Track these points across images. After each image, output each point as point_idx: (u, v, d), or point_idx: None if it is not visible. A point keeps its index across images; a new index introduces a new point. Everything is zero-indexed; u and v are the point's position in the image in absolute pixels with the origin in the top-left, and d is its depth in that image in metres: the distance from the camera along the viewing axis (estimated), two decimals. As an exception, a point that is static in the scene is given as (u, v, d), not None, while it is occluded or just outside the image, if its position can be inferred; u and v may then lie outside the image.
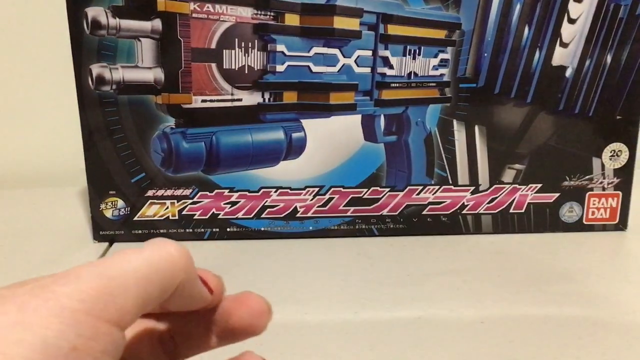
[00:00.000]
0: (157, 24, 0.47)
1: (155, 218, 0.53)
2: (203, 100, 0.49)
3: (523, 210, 0.55)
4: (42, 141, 0.71)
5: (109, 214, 0.52)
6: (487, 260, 0.50)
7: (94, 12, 0.46)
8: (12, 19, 0.67)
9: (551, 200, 0.54)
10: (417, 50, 0.51)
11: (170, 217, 0.53)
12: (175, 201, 0.52)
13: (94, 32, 0.46)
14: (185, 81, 0.48)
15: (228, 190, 0.52)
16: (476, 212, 0.54)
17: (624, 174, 0.54)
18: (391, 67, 0.51)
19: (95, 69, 0.47)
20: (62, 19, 0.48)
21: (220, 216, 0.53)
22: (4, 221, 0.59)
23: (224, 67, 0.48)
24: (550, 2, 0.49)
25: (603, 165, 0.54)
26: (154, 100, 0.49)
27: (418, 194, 0.54)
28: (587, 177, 0.54)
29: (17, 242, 0.54)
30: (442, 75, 0.51)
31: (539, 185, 0.54)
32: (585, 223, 0.55)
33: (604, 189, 0.54)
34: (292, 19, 0.48)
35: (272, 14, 0.48)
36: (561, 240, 0.54)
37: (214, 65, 0.48)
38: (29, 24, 0.67)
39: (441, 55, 0.51)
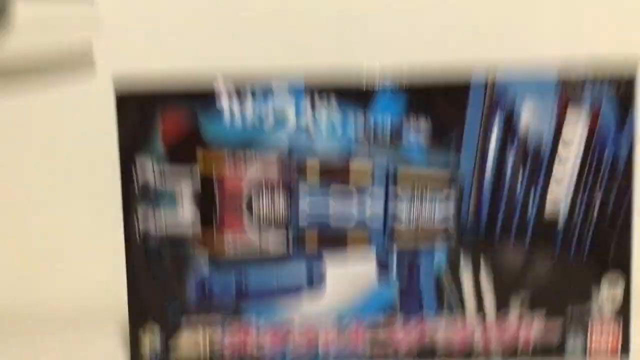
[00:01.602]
0: (196, 173, 0.54)
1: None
2: (234, 240, 0.55)
3: (530, 339, 0.58)
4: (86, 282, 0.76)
5: (146, 350, 0.57)
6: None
7: (142, 162, 0.53)
8: (70, 172, 0.75)
9: (555, 329, 0.58)
10: (424, 197, 0.57)
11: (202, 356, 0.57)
12: (207, 330, 0.57)
13: (142, 180, 0.54)
14: (220, 226, 0.55)
15: (254, 321, 0.57)
16: (485, 342, 0.58)
17: (623, 302, 0.58)
18: (401, 211, 0.57)
19: (141, 211, 0.55)
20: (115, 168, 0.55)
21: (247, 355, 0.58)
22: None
23: (253, 211, 0.55)
24: (540, 151, 0.55)
25: (602, 295, 0.58)
26: (190, 240, 0.55)
27: (430, 327, 0.58)
28: (587, 306, 0.58)
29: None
30: (447, 218, 0.57)
31: (543, 315, 0.58)
32: (590, 349, 0.58)
33: (605, 317, 0.58)
34: (312, 170, 0.55)
35: (295, 164, 0.55)
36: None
37: (245, 212, 0.55)
38: (83, 173, 0.75)
39: (445, 201, 0.57)
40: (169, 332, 0.57)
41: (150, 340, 0.57)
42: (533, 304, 0.58)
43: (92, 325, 0.70)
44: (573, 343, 0.58)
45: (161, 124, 0.54)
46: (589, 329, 0.58)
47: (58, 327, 0.71)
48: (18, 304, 0.76)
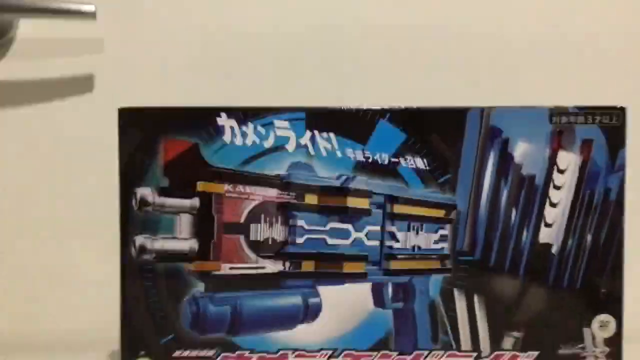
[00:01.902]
0: (196, 202, 0.54)
1: (180, 378, 0.56)
2: (231, 268, 0.55)
3: (523, 378, 0.58)
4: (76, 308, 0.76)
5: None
6: None
7: (142, 191, 0.54)
8: (69, 200, 0.75)
9: (548, 369, 0.58)
10: (420, 227, 0.58)
11: (193, 378, 0.56)
12: (199, 362, 0.56)
13: (141, 208, 0.54)
14: (216, 250, 0.55)
15: (248, 352, 0.57)
16: (479, 378, 0.58)
17: (614, 344, 0.58)
18: (397, 240, 0.58)
19: (139, 239, 0.54)
20: (114, 197, 0.55)
21: (239, 377, 0.57)
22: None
23: (251, 238, 0.55)
24: (533, 189, 0.57)
25: (594, 335, 0.58)
26: (187, 268, 0.55)
27: (425, 358, 0.58)
28: (580, 345, 0.58)
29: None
30: (442, 248, 0.58)
31: (537, 353, 0.58)
32: (583, 391, 0.58)
33: (597, 357, 0.58)
34: (311, 199, 0.56)
35: (294, 194, 0.56)
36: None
37: (242, 237, 0.55)
38: (81, 201, 0.75)
39: (441, 231, 0.58)
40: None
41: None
42: (526, 345, 0.58)
43: (83, 354, 0.69)
44: (566, 383, 0.58)
45: (163, 153, 0.55)
46: (582, 371, 0.58)
47: (49, 355, 0.70)
48: (7, 331, 0.75)
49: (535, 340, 0.58)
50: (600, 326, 0.58)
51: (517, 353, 0.58)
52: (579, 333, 0.58)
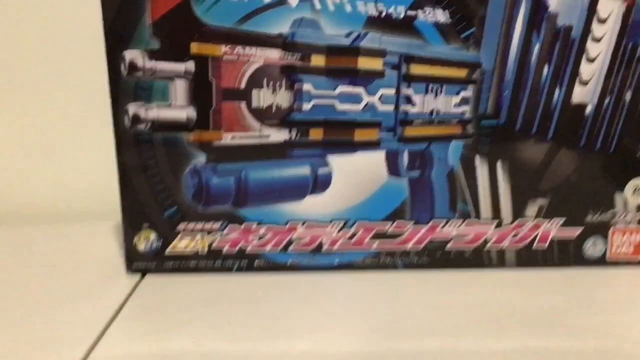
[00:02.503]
0: (190, 65, 0.49)
1: (186, 251, 0.55)
2: (233, 137, 0.51)
3: (546, 245, 0.55)
4: (78, 178, 0.74)
5: (142, 246, 0.54)
6: (511, 294, 0.51)
7: (131, 54, 0.48)
8: (53, 60, 0.71)
9: (574, 236, 0.55)
10: (439, 89, 0.53)
11: (200, 250, 0.55)
12: (205, 234, 0.54)
13: (131, 73, 0.49)
14: (216, 119, 0.50)
15: (256, 224, 0.54)
16: (500, 246, 0.55)
17: (647, 210, 0.55)
18: (414, 104, 0.53)
19: (132, 107, 0.50)
20: (101, 61, 0.50)
21: (248, 250, 0.55)
22: (41, 254, 0.61)
23: (253, 105, 0.51)
24: (568, 42, 0.51)
25: (626, 201, 0.54)
26: (186, 138, 0.51)
27: (442, 228, 0.55)
28: (610, 212, 0.55)
29: (54, 274, 0.56)
30: (463, 112, 0.53)
31: (562, 220, 0.55)
32: (609, 258, 0.55)
33: (627, 224, 0.55)
34: (318, 60, 0.51)
35: (299, 55, 0.50)
36: (585, 275, 0.55)
37: (243, 104, 0.50)
38: (68, 65, 0.71)
39: (462, 94, 0.53)
40: (166, 238, 0.54)
41: (146, 245, 0.54)
42: (551, 212, 0.54)
43: (86, 223, 0.69)
44: (592, 250, 0.55)
45: (150, 11, 0.49)
46: (610, 236, 0.55)
47: (51, 223, 0.70)
48: (8, 203, 0.75)
49: (562, 207, 0.54)
50: (634, 191, 0.54)
51: (541, 220, 0.55)
52: (609, 199, 0.54)
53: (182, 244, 0.54)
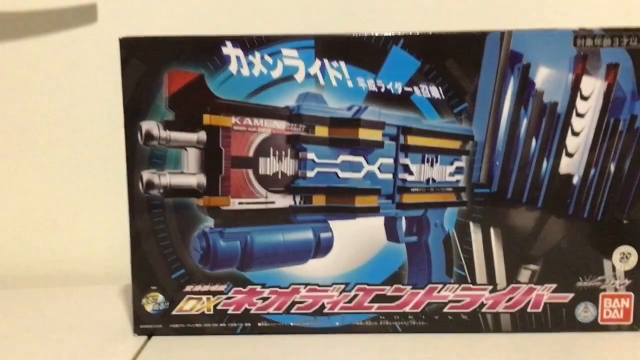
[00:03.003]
0: (202, 135, 0.53)
1: (192, 313, 0.56)
2: (240, 203, 0.54)
3: (540, 310, 0.57)
4: (85, 242, 0.76)
5: (149, 308, 0.56)
6: (507, 358, 0.52)
7: (148, 125, 0.52)
8: (73, 128, 0.74)
9: (567, 301, 0.57)
10: (435, 159, 0.56)
11: (206, 312, 0.56)
12: (211, 296, 0.56)
13: (147, 142, 0.52)
14: (225, 185, 0.53)
15: (260, 286, 0.56)
16: (495, 310, 0.57)
17: (635, 276, 0.57)
18: (411, 173, 0.56)
19: (146, 174, 0.53)
20: (119, 131, 0.54)
21: (252, 311, 0.56)
22: (51, 316, 0.63)
23: (260, 172, 0.54)
24: (554, 117, 0.55)
25: (614, 267, 0.57)
26: (196, 203, 0.54)
27: (439, 292, 0.57)
28: (599, 278, 0.57)
29: (63, 335, 0.58)
30: (458, 181, 0.56)
31: (554, 286, 0.57)
32: (601, 323, 0.57)
33: (616, 289, 0.57)
34: (321, 131, 0.54)
35: (303, 126, 0.54)
36: (578, 339, 0.56)
37: (250, 171, 0.54)
38: (87, 134, 0.74)
39: (456, 163, 0.56)
40: (173, 300, 0.56)
41: (154, 306, 0.56)
42: (543, 278, 0.56)
43: (92, 286, 0.70)
44: (584, 315, 0.57)
45: (167, 85, 0.53)
46: (600, 302, 0.57)
47: (58, 285, 0.72)
48: (20, 264, 0.76)
49: (553, 272, 0.57)
50: (621, 258, 0.57)
51: (534, 286, 0.57)
52: (598, 265, 0.57)
53: (188, 306, 0.56)
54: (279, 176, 0.54)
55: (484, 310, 0.57)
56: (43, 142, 0.75)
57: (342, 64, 0.54)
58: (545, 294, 0.57)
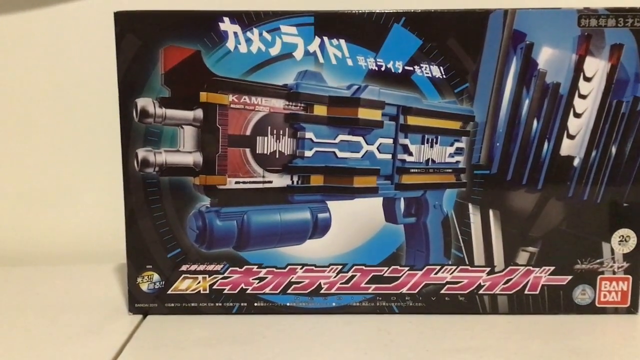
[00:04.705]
0: (199, 113, 0.52)
1: (188, 292, 0.56)
2: (237, 182, 0.53)
3: (537, 292, 0.57)
4: (81, 221, 0.76)
5: (144, 287, 0.56)
6: (504, 340, 0.52)
7: (143, 102, 0.51)
8: (68, 106, 0.74)
9: (564, 283, 0.57)
10: (435, 139, 0.56)
11: (202, 291, 0.56)
12: (207, 276, 0.56)
13: (142, 120, 0.51)
14: (221, 164, 0.52)
15: (257, 267, 0.56)
16: (492, 292, 0.57)
17: (633, 259, 0.56)
18: (410, 154, 0.55)
19: (141, 152, 0.52)
20: (114, 108, 0.53)
21: (248, 291, 0.56)
22: (46, 295, 0.62)
23: (257, 152, 0.53)
24: (556, 98, 0.54)
25: (612, 250, 0.56)
26: (192, 182, 0.53)
27: (436, 273, 0.56)
28: (597, 260, 0.57)
29: (58, 314, 0.57)
30: (457, 162, 0.55)
31: (552, 268, 0.57)
32: (598, 306, 0.57)
33: (614, 272, 0.57)
34: (320, 110, 0.53)
35: (302, 105, 0.53)
36: (575, 322, 0.56)
37: (248, 150, 0.53)
38: (81, 111, 0.73)
39: (457, 144, 0.55)
40: (168, 279, 0.56)
41: (149, 285, 0.56)
42: (541, 260, 0.56)
43: (88, 264, 0.70)
44: (582, 298, 0.57)
45: (163, 61, 0.52)
46: (598, 285, 0.57)
47: (54, 264, 0.71)
48: (15, 243, 0.76)
49: (551, 255, 0.56)
50: (620, 241, 0.56)
51: (532, 268, 0.56)
52: (597, 248, 0.56)
53: (184, 285, 0.56)
54: (277, 155, 0.53)
55: (481, 292, 0.57)
56: (37, 120, 0.74)
57: (342, 41, 0.53)
58: (543, 276, 0.57)
